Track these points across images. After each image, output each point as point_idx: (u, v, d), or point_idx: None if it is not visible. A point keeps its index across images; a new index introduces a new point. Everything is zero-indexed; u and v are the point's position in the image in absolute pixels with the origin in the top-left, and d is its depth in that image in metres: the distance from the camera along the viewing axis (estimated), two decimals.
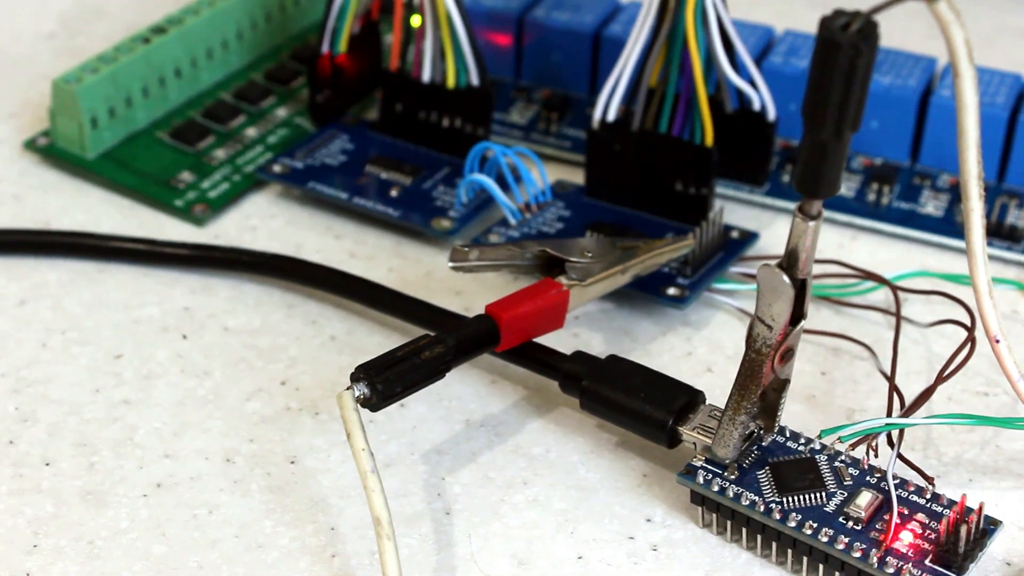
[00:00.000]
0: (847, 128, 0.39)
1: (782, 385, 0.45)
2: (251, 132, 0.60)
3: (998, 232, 0.55)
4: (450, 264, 0.51)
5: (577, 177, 0.58)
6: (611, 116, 0.55)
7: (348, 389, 0.45)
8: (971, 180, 0.41)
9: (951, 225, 0.56)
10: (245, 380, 0.51)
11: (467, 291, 0.54)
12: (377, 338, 0.52)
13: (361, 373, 0.45)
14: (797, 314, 0.43)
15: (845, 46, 0.38)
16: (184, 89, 0.61)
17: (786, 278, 0.42)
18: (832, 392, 0.51)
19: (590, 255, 0.51)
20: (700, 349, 0.52)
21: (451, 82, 0.57)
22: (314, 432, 0.49)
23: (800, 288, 0.42)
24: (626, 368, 0.48)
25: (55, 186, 0.59)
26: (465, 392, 0.50)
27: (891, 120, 0.58)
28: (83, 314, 0.53)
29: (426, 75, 0.58)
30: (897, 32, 0.66)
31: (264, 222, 0.57)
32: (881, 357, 0.51)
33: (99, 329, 0.53)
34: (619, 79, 0.55)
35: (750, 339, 0.44)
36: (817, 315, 0.53)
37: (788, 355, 0.44)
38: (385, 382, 0.45)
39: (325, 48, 0.59)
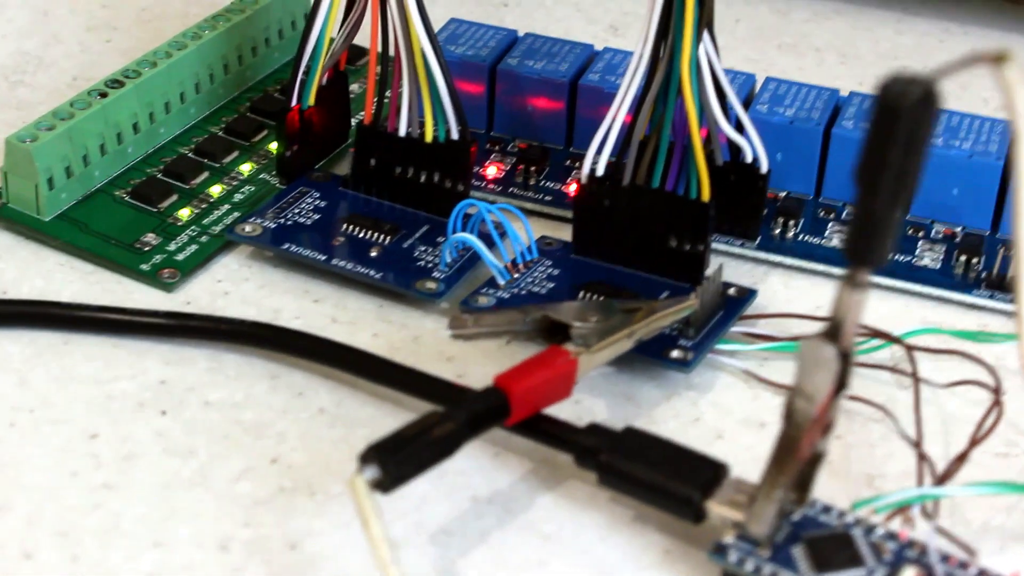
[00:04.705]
0: (904, 195, 0.37)
1: (817, 458, 0.43)
2: (216, 189, 0.57)
3: None
4: (450, 333, 0.49)
5: (560, 232, 0.56)
6: (600, 170, 0.53)
7: (359, 473, 0.42)
8: (1021, 244, 0.40)
9: (949, 277, 0.55)
10: (233, 459, 0.48)
11: (458, 357, 0.52)
12: (368, 409, 0.50)
13: (372, 455, 0.43)
14: (839, 385, 0.41)
15: (906, 112, 0.36)
16: (142, 145, 0.58)
17: (832, 351, 0.40)
18: (849, 457, 0.49)
19: (594, 319, 0.49)
20: (708, 414, 0.50)
21: (429, 136, 0.55)
22: (313, 514, 0.46)
23: (844, 360, 0.41)
24: (645, 441, 0.46)
25: (9, 250, 0.55)
26: (468, 466, 0.48)
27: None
28: (52, 390, 0.50)
29: (402, 128, 0.55)
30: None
31: (236, 286, 0.54)
32: (895, 418, 0.50)
33: (71, 406, 0.49)
34: (609, 131, 0.53)
35: (789, 414, 0.42)
36: None
37: (827, 429, 0.42)
38: (397, 463, 0.43)
39: (294, 101, 0.56)
